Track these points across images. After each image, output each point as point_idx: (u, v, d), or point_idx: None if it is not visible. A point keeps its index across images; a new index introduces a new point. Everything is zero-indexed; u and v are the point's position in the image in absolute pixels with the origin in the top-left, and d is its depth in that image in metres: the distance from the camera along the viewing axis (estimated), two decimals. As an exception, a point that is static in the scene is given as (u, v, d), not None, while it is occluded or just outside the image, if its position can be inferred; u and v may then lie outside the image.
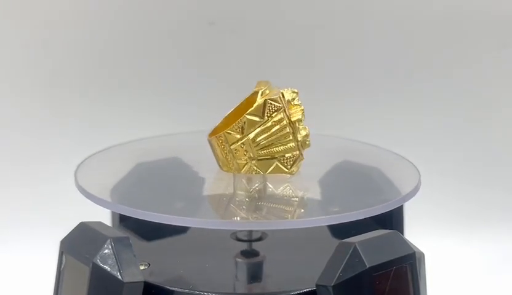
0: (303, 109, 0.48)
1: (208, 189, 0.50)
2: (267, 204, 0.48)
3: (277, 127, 0.47)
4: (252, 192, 0.49)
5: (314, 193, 0.50)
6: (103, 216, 0.49)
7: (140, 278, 0.42)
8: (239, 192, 0.49)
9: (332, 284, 0.40)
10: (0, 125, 0.79)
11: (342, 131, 0.75)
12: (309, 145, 0.49)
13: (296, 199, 0.50)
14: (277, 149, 0.48)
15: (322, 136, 0.60)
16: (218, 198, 0.49)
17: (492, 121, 0.79)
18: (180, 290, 0.44)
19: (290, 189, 0.51)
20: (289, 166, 0.48)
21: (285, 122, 0.47)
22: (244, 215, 0.47)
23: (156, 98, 0.79)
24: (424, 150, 0.77)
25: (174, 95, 0.79)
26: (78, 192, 0.48)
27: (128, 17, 0.78)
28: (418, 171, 0.50)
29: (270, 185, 0.49)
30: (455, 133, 0.80)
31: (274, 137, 0.48)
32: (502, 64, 0.79)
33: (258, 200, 0.48)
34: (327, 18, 0.78)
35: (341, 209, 0.45)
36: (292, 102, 0.48)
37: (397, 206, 0.48)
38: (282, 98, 0.47)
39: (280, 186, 0.50)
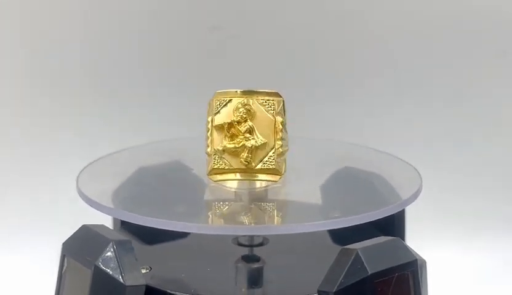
0: (237, 121, 0.48)
1: (210, 193, 0.50)
2: (268, 210, 0.48)
3: (207, 128, 0.48)
4: (254, 197, 0.49)
5: (316, 199, 0.50)
6: (105, 219, 0.49)
7: (141, 282, 0.42)
8: (241, 197, 0.49)
9: (334, 290, 0.40)
10: (2, 128, 0.79)
11: (343, 135, 0.75)
12: (249, 161, 0.48)
13: (297, 205, 0.50)
14: (207, 149, 0.49)
15: (323, 141, 0.61)
16: (219, 203, 0.49)
17: (494, 128, 0.79)
18: (181, 294, 0.44)
19: (291, 195, 0.51)
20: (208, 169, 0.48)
21: (209, 126, 0.48)
22: (245, 220, 0.47)
23: (159, 103, 0.79)
24: (426, 158, 0.77)
25: (177, 100, 0.79)
26: (80, 197, 0.48)
27: (127, 22, 0.78)
28: (420, 176, 0.50)
29: (272, 191, 0.49)
30: (457, 141, 0.80)
31: (206, 135, 0.49)
32: (503, 71, 0.79)
33: (260, 205, 0.48)
34: (328, 21, 0.78)
35: (342, 215, 0.45)
36: (235, 113, 0.48)
37: (398, 210, 0.48)
38: (214, 103, 0.48)
39: (282, 191, 0.50)
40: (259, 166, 0.48)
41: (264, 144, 0.47)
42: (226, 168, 0.48)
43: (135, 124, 0.79)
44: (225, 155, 0.48)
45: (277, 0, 0.78)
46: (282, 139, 0.48)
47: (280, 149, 0.48)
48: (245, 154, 0.47)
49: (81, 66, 0.79)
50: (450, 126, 0.80)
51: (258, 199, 0.49)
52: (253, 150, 0.47)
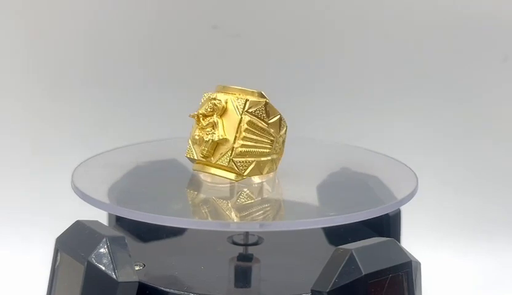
0: (202, 114, 0.48)
1: (206, 191, 0.50)
2: (263, 208, 0.48)
3: None
4: (249, 196, 0.49)
5: (312, 198, 0.50)
6: (99, 215, 0.49)
7: (134, 278, 0.41)
8: (236, 195, 0.49)
9: (327, 290, 0.40)
10: (2, 127, 0.79)
11: (341, 136, 0.75)
12: (204, 154, 0.48)
13: (293, 204, 0.50)
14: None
15: (321, 142, 0.61)
16: (214, 200, 0.49)
17: (492, 132, 0.79)
18: (174, 291, 0.44)
19: (287, 194, 0.51)
20: None
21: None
22: (239, 217, 0.46)
23: (158, 102, 0.79)
24: (423, 160, 0.77)
25: (176, 99, 0.79)
26: (74, 192, 0.48)
27: (130, 20, 0.78)
28: (416, 177, 0.50)
29: (268, 190, 0.49)
30: (456, 143, 0.80)
31: None
32: (504, 76, 0.79)
33: (255, 204, 0.48)
34: (329, 23, 0.78)
35: (338, 213, 0.45)
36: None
37: (393, 209, 0.48)
38: (205, 95, 0.49)
39: (279, 191, 0.50)
40: (216, 162, 0.48)
41: (225, 140, 0.47)
42: (192, 157, 0.49)
43: (135, 123, 0.79)
44: (194, 146, 0.48)
45: (279, 0, 0.78)
46: (244, 138, 0.47)
47: (240, 149, 0.47)
48: (202, 147, 0.48)
49: (82, 66, 0.79)
50: (449, 129, 0.80)
51: (254, 198, 0.48)
52: (214, 144, 0.48)
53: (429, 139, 0.80)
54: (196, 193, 0.50)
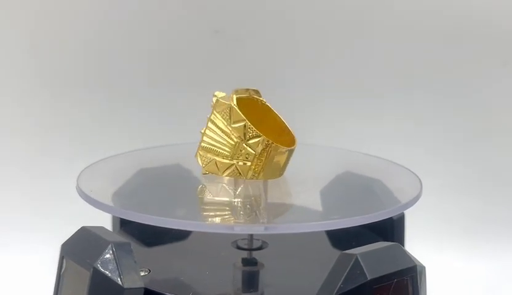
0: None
1: (209, 194, 0.50)
2: (267, 211, 0.48)
3: None
4: (253, 199, 0.49)
5: (316, 202, 0.50)
6: (104, 221, 0.49)
7: (140, 284, 0.42)
8: (240, 198, 0.49)
9: (333, 295, 0.40)
10: (4, 127, 0.79)
11: (345, 142, 0.75)
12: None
13: (297, 208, 0.50)
14: None
15: (325, 147, 0.61)
16: (219, 204, 0.49)
17: (494, 135, 0.79)
18: (179, 297, 0.44)
19: (291, 198, 0.51)
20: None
21: None
22: (244, 220, 0.47)
23: (161, 106, 0.79)
24: (425, 163, 0.77)
25: (178, 105, 0.79)
26: (80, 196, 0.48)
27: (131, 24, 0.78)
28: (420, 182, 0.50)
29: (272, 194, 0.49)
30: (457, 148, 0.80)
31: None
32: (504, 80, 0.79)
33: (259, 207, 0.48)
34: (329, 27, 0.78)
35: (341, 217, 0.45)
36: None
37: (397, 213, 0.48)
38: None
39: (281, 194, 0.50)
40: None
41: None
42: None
43: (137, 127, 0.79)
44: None
45: (280, 4, 0.78)
46: (205, 135, 0.49)
47: (203, 143, 0.49)
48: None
49: (86, 72, 0.79)
50: (450, 132, 0.80)
51: (257, 201, 0.49)
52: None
53: (431, 142, 0.80)
54: (200, 196, 0.50)
